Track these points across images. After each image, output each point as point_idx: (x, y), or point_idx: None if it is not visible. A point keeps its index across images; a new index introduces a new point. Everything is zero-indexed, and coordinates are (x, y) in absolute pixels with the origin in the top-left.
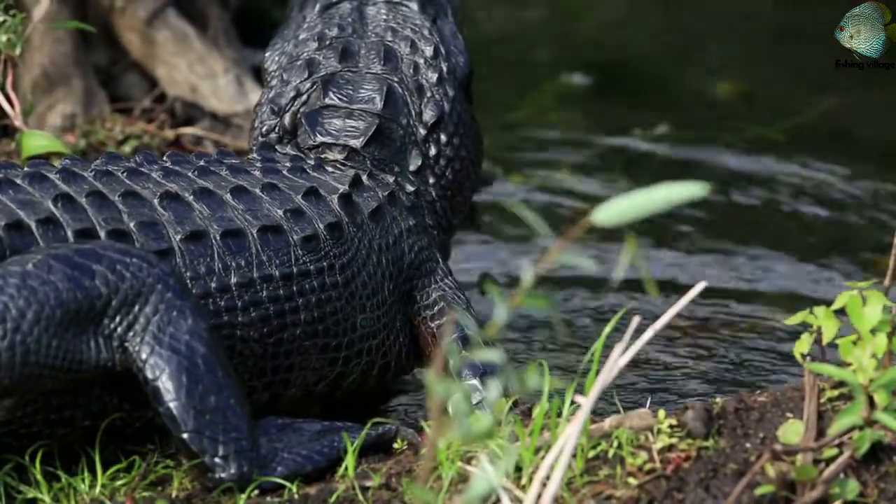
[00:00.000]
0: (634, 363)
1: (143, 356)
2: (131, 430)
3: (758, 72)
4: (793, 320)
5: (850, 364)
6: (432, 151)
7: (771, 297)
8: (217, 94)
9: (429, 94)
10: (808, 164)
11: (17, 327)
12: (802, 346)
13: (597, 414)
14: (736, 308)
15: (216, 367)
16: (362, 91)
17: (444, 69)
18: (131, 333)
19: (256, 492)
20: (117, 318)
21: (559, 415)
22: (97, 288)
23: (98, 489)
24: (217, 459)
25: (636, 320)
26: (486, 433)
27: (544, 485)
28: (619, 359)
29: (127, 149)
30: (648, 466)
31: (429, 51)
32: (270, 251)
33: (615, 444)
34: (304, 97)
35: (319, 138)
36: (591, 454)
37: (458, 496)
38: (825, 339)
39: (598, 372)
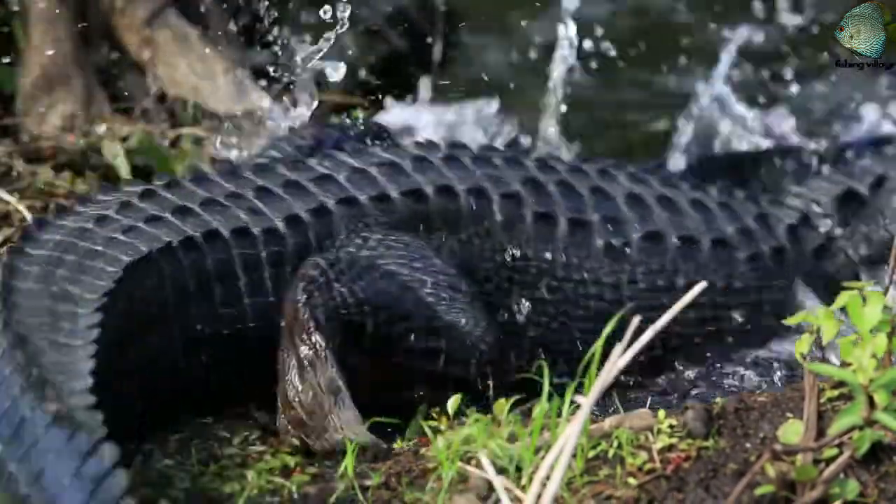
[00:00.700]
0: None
1: None
2: None
3: None
4: (793, 320)
5: (850, 364)
6: None
7: None
8: (217, 94)
9: None
10: None
11: None
12: (802, 346)
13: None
14: None
15: None
16: None
17: None
18: None
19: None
20: None
21: (559, 415)
22: None
23: None
24: None
25: (636, 320)
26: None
27: (544, 485)
28: (619, 359)
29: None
30: (648, 466)
31: None
32: (718, 262)
33: (615, 444)
34: None
35: None
36: (591, 454)
37: (458, 496)
38: (825, 339)
39: (598, 372)
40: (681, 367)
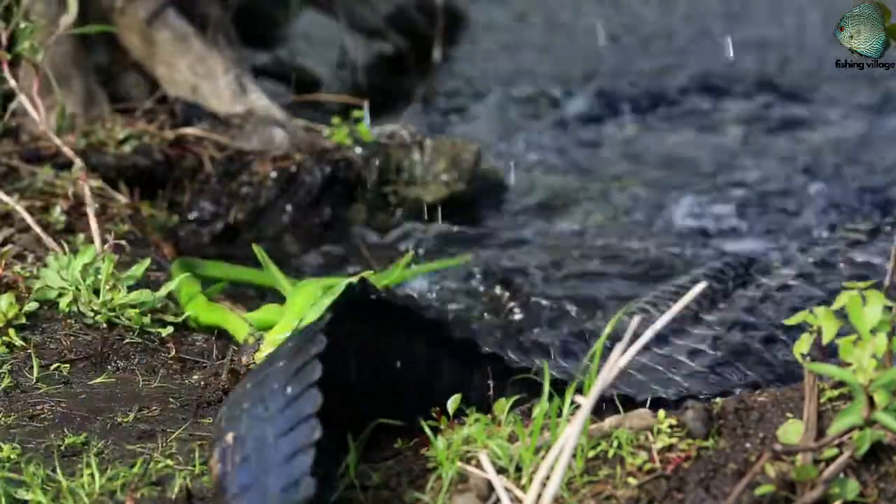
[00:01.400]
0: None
1: None
2: None
3: None
4: (793, 320)
5: (850, 364)
6: None
7: None
8: (217, 94)
9: None
10: None
11: None
12: (802, 346)
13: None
14: None
15: None
16: None
17: None
18: None
19: None
20: None
21: (559, 415)
22: None
23: (97, 489)
24: None
25: (636, 320)
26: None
27: (544, 485)
28: (619, 359)
29: (127, 148)
30: (648, 466)
31: None
32: None
33: (615, 444)
34: None
35: None
36: (591, 454)
37: (458, 496)
38: (825, 339)
39: (598, 372)
40: None
